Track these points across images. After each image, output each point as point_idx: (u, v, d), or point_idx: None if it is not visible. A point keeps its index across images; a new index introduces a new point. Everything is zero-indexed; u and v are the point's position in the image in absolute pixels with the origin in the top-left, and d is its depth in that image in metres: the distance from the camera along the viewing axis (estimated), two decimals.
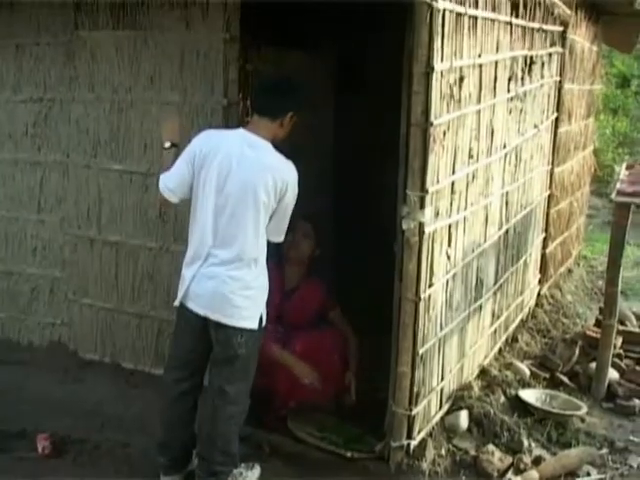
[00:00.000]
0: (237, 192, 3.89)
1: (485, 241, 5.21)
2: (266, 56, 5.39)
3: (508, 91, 5.31)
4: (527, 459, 4.57)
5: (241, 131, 4.05)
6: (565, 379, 5.72)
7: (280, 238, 4.13)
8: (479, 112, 4.78)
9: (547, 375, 5.71)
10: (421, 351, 4.33)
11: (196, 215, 4.03)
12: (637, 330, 6.61)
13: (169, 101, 4.99)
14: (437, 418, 4.71)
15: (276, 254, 4.76)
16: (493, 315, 5.65)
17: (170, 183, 4.05)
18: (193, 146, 4.03)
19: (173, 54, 4.96)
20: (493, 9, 4.80)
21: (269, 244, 4.09)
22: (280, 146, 4.03)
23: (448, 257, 4.56)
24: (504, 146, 5.39)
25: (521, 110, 5.70)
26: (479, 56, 4.65)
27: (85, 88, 5.31)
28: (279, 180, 3.89)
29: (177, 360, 4.21)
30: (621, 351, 6.14)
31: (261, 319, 4.06)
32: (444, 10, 4.06)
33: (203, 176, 3.95)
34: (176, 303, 4.14)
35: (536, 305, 6.97)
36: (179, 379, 4.17)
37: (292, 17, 5.17)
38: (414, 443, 4.40)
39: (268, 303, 4.13)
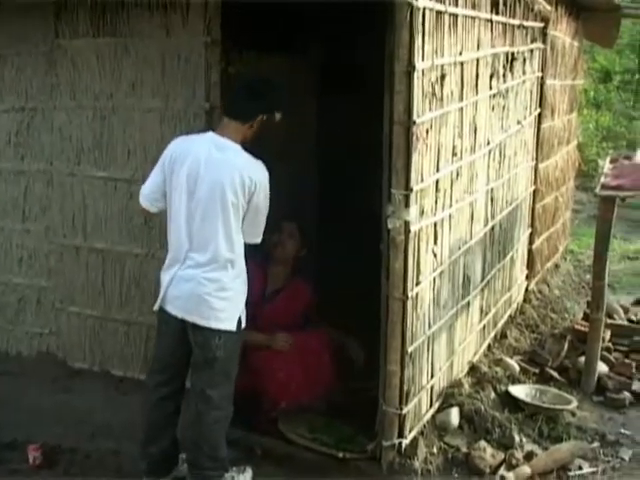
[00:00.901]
0: (206, 195, 3.90)
1: (471, 238, 5.22)
2: (248, 59, 5.40)
3: (490, 88, 5.33)
4: (519, 454, 4.57)
5: (210, 134, 4.07)
6: (555, 374, 5.73)
7: (257, 240, 4.11)
8: (462, 110, 4.78)
9: (537, 370, 5.73)
10: (410, 349, 4.33)
11: (171, 220, 4.05)
12: (625, 323, 6.64)
13: (151, 107, 4.99)
14: (428, 416, 4.71)
15: (259, 254, 4.76)
16: (481, 312, 5.66)
17: (145, 191, 4.14)
18: (165, 153, 4.09)
19: (154, 60, 4.96)
20: (473, 7, 4.82)
21: (252, 244, 4.10)
22: (256, 147, 4.04)
23: (434, 255, 4.57)
24: (488, 143, 5.40)
25: (504, 107, 5.72)
26: (460, 54, 4.66)
27: (67, 96, 5.31)
28: (247, 178, 3.88)
29: (158, 364, 4.22)
30: (610, 344, 6.16)
31: (240, 321, 4.05)
32: (424, 8, 4.06)
33: (174, 181, 3.98)
34: (155, 307, 4.16)
35: (524, 301, 6.98)
36: (159, 383, 4.17)
37: (275, 19, 5.17)
38: (406, 442, 4.40)
39: (247, 303, 4.13)
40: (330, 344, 5.14)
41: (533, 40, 6.44)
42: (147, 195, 4.12)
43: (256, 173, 3.93)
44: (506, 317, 6.41)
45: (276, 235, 5.01)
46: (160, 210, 4.14)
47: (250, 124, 4.00)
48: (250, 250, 4.12)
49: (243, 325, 4.08)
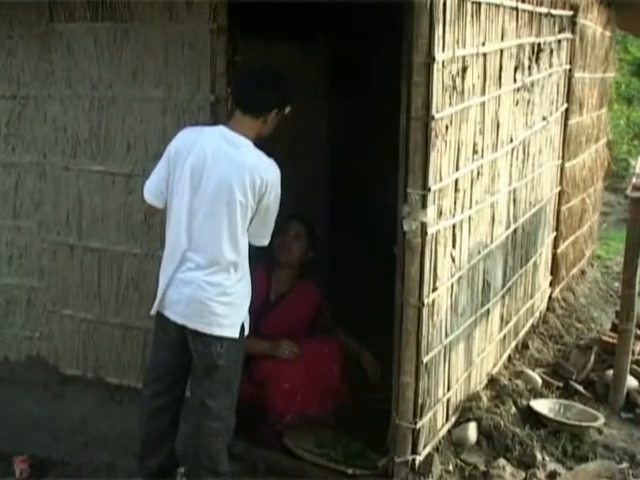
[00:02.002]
0: (212, 191, 3.92)
1: (492, 242, 5.26)
2: (255, 48, 5.43)
3: (514, 81, 5.36)
4: (541, 474, 4.59)
5: (220, 128, 4.09)
6: (580, 388, 5.75)
7: (264, 242, 4.15)
8: (483, 104, 4.82)
9: (560, 384, 5.75)
10: (425, 360, 4.37)
11: (170, 215, 4.09)
12: None
13: (152, 97, 5.01)
14: (444, 431, 4.75)
15: (263, 256, 4.80)
16: (502, 320, 5.70)
17: (151, 186, 4.18)
18: (170, 145, 4.13)
19: (156, 47, 4.97)
20: None
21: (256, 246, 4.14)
22: (266, 143, 4.07)
23: (452, 259, 4.60)
24: (511, 140, 5.43)
25: (529, 101, 5.75)
26: (483, 44, 4.69)
27: (62, 84, 5.31)
28: (258, 178, 3.90)
29: (154, 372, 4.26)
30: None
31: (242, 328, 4.08)
32: None
33: (177, 175, 4.01)
34: (153, 311, 4.20)
35: (547, 309, 7.02)
36: (155, 393, 4.22)
37: (284, 6, 5.20)
38: (419, 458, 4.43)
39: (250, 309, 4.16)
40: (341, 352, 5.17)
41: (561, 30, 6.47)
42: (152, 190, 4.15)
43: (268, 172, 3.95)
44: (528, 326, 6.45)
45: (280, 236, 5.03)
46: (165, 205, 4.17)
47: (264, 119, 4.04)
48: (253, 252, 4.16)
49: (246, 332, 4.12)
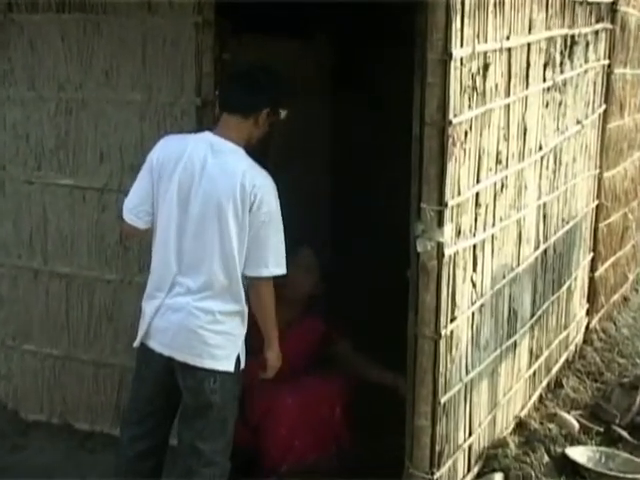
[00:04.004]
0: (200, 208, 3.97)
1: (519, 264, 5.30)
2: (247, 44, 5.47)
3: (544, 80, 5.41)
4: None
5: (207, 134, 4.15)
6: (624, 433, 5.70)
7: (261, 272, 4.04)
8: (508, 107, 4.87)
9: (601, 428, 5.73)
10: (443, 400, 4.41)
11: (157, 237, 4.12)
12: None
13: (129, 100, 5.03)
14: None
15: None
16: (531, 354, 5.73)
17: (131, 203, 4.18)
18: (151, 155, 4.17)
19: (133, 43, 4.99)
20: None
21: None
22: (261, 148, 4.15)
23: (473, 284, 4.65)
24: (540, 148, 5.48)
25: (560, 103, 5.79)
26: (507, 38, 4.74)
27: (23, 85, 5.32)
28: (248, 184, 3.92)
29: (135, 413, 4.28)
30: None
31: (238, 360, 4.11)
32: None
33: (163, 190, 4.05)
34: (136, 343, 4.22)
35: (584, 342, 7.05)
36: (135, 437, 4.24)
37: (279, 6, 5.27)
38: None
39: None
40: (343, 392, 5.20)
41: (599, 19, 6.50)
42: (133, 208, 4.15)
43: (259, 178, 3.98)
44: (562, 362, 6.48)
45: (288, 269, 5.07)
46: (150, 226, 4.16)
47: (254, 118, 4.09)
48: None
49: (242, 365, 4.15)
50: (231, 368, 4.06)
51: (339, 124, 7.07)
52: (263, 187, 3.98)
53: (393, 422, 4.79)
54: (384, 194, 6.64)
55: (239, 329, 4.12)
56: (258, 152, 4.19)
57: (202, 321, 3.99)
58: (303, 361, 5.25)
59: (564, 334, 6.50)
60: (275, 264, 4.05)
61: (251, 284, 4.08)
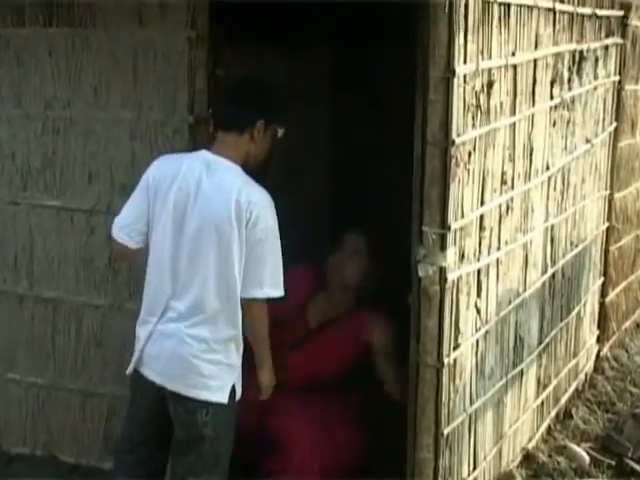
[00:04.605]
0: (196, 227, 3.99)
1: (525, 289, 5.32)
2: (243, 57, 5.48)
3: (551, 98, 5.45)
4: None
5: (203, 153, 4.18)
6: (637, 466, 5.72)
7: (256, 293, 4.03)
8: (514, 126, 4.90)
9: (613, 462, 5.74)
10: (446, 431, 4.42)
11: (152, 257, 4.14)
12: None
13: (119, 119, 5.04)
14: None
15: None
16: (538, 384, 5.74)
17: (122, 222, 4.20)
18: (146, 175, 4.20)
19: (123, 57, 5.00)
20: None
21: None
22: (260, 167, 4.18)
23: (478, 311, 4.67)
24: (547, 168, 5.51)
25: (568, 121, 5.83)
26: (513, 54, 4.78)
27: (9, 102, 5.34)
28: (243, 200, 3.94)
29: (128, 442, 4.28)
30: None
31: (233, 391, 4.10)
32: None
33: (158, 209, 4.08)
34: (129, 370, 4.22)
35: (595, 370, 7.06)
36: (127, 465, 4.24)
37: (278, 7, 5.29)
38: None
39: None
40: (358, 412, 5.17)
41: (609, 34, 6.55)
42: (124, 227, 4.17)
43: (255, 194, 4.00)
44: (571, 391, 6.48)
45: (334, 255, 5.09)
46: (141, 247, 4.18)
47: (249, 133, 4.11)
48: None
49: (238, 396, 4.14)
50: (225, 399, 4.05)
51: (339, 124, 7.14)
52: (259, 203, 4.00)
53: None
54: (384, 194, 6.70)
55: (234, 357, 4.10)
56: (257, 171, 4.21)
57: (195, 349, 3.99)
58: (339, 365, 5.16)
59: (573, 362, 6.51)
60: (271, 285, 4.04)
61: (245, 305, 4.07)
